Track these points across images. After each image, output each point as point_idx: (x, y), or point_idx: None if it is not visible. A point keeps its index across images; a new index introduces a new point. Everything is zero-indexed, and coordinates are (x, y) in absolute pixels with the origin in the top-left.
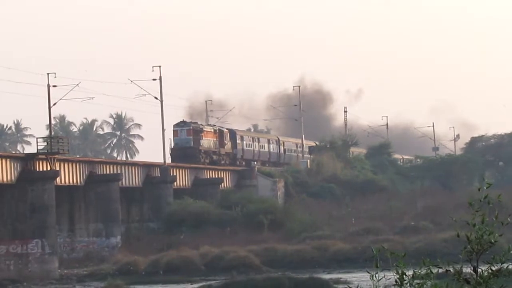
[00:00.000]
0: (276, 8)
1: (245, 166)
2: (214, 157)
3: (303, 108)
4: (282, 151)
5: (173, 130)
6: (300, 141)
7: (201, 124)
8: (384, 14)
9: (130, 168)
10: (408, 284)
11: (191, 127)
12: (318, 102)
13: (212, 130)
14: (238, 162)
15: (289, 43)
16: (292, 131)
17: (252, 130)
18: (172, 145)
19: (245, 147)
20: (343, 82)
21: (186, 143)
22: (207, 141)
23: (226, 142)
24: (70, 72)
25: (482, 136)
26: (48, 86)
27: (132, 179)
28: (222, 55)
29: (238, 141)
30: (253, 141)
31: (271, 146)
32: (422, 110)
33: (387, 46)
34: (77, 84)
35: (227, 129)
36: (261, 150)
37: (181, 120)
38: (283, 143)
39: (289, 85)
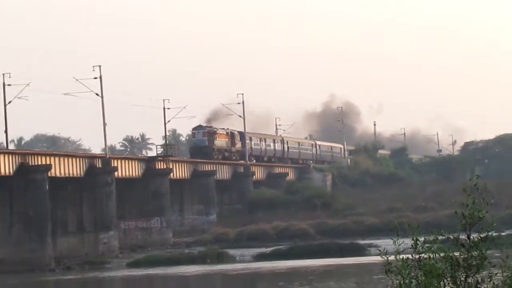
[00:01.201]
0: (301, 37)
1: (303, 164)
2: (226, 154)
3: (337, 119)
4: (286, 148)
5: (192, 132)
6: (339, 145)
7: (215, 128)
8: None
9: (222, 166)
10: (420, 247)
11: (206, 130)
12: (348, 115)
13: (225, 132)
14: (247, 158)
15: (317, 65)
16: (330, 138)
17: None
18: (192, 144)
19: (253, 146)
20: (363, 96)
21: (202, 142)
22: (220, 141)
23: (236, 142)
24: (180, 97)
25: (472, 141)
26: (164, 109)
27: (224, 174)
28: (258, 77)
29: (248, 141)
30: (260, 141)
31: (276, 144)
32: (426, 119)
33: (398, 67)
34: (185, 107)
35: (237, 131)
36: (268, 148)
37: (198, 124)
38: (287, 142)
39: (320, 101)
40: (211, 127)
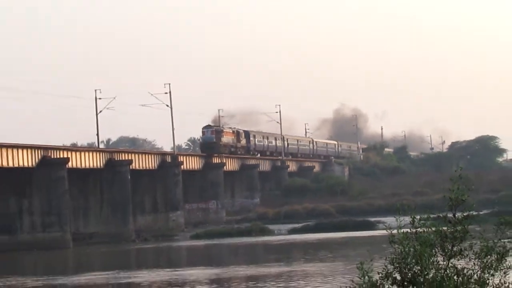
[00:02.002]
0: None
1: (325, 159)
2: (232, 149)
3: (352, 124)
4: (286, 145)
5: (202, 131)
6: (355, 144)
7: (222, 127)
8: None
9: (264, 161)
10: (417, 223)
11: (214, 129)
12: (358, 120)
13: (231, 131)
14: (251, 152)
15: (327, 77)
16: (343, 139)
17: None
18: (201, 141)
19: (256, 143)
20: (369, 104)
21: (210, 139)
22: (227, 138)
23: (241, 139)
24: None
25: (457, 141)
26: (219, 116)
27: (265, 167)
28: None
29: (251, 138)
30: (263, 138)
31: (277, 142)
32: (420, 122)
33: (398, 78)
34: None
35: (243, 130)
36: (270, 144)
37: (208, 124)
38: (287, 139)
39: (331, 108)
40: (218, 126)
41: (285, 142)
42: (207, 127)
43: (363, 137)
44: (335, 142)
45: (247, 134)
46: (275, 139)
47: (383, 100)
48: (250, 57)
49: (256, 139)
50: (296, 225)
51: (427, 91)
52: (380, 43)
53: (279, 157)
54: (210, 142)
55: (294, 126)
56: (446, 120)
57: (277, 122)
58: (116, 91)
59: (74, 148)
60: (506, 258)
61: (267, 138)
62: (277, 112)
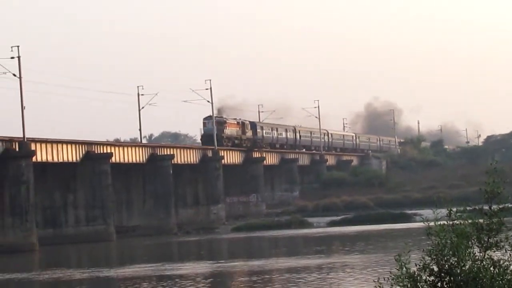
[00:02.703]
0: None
1: (363, 153)
2: (236, 141)
3: (390, 119)
4: (298, 137)
5: (203, 122)
6: (392, 138)
7: (225, 118)
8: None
9: (303, 155)
10: (453, 215)
11: (216, 120)
12: (391, 114)
13: (236, 122)
14: (258, 145)
15: (361, 70)
16: (376, 132)
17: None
18: (202, 132)
19: (264, 134)
20: (402, 97)
21: (211, 131)
22: (230, 130)
23: (247, 130)
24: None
25: (492, 135)
26: (259, 112)
27: (304, 161)
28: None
29: (259, 130)
30: (272, 130)
31: (288, 133)
32: (455, 116)
33: (434, 71)
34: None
35: (249, 121)
36: (279, 136)
37: (209, 115)
38: (299, 131)
39: (362, 101)
40: (221, 117)
41: (297, 134)
42: (208, 118)
43: (397, 131)
44: (377, 137)
45: (253, 125)
46: (286, 131)
47: (415, 94)
48: (280, 54)
49: (264, 131)
50: (335, 218)
51: (460, 85)
52: (412, 38)
53: (318, 151)
54: (211, 134)
55: (327, 120)
56: (480, 114)
57: (316, 117)
58: (159, 87)
59: (117, 143)
60: None
61: (277, 130)
62: (315, 107)
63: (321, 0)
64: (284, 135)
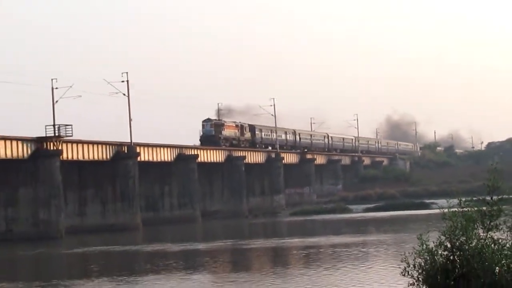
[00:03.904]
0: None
1: (390, 155)
2: (234, 142)
3: (412, 129)
4: (298, 139)
5: (202, 124)
6: (412, 144)
7: (223, 120)
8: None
9: (345, 156)
10: (462, 204)
11: (213, 122)
12: (409, 124)
13: (234, 125)
14: (257, 146)
15: (380, 84)
16: (396, 138)
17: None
18: (201, 133)
19: (263, 136)
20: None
21: (209, 132)
22: (228, 132)
23: (245, 132)
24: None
25: (493, 142)
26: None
27: (346, 161)
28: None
29: (257, 132)
30: (271, 132)
31: (288, 136)
32: (460, 125)
33: (443, 86)
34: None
35: (248, 124)
36: (279, 138)
37: (207, 117)
38: (299, 134)
39: (383, 113)
40: (219, 120)
41: (297, 137)
42: (207, 120)
43: (412, 137)
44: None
45: (252, 128)
46: (286, 133)
47: (427, 107)
48: (325, 75)
49: (263, 133)
50: (369, 205)
51: (465, 100)
52: (424, 57)
53: (356, 154)
54: (209, 135)
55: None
56: (481, 124)
57: (355, 127)
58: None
59: (202, 147)
60: None
61: (276, 132)
62: (355, 120)
63: (337, 21)
64: (283, 137)
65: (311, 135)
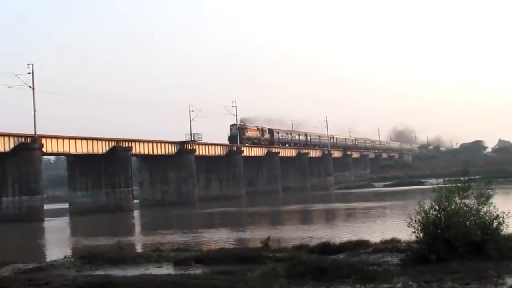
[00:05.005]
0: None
1: (398, 152)
2: (255, 141)
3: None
4: (309, 139)
5: (229, 127)
6: (412, 144)
7: (246, 125)
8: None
9: (371, 152)
10: (446, 182)
11: (238, 126)
12: (409, 131)
13: (256, 128)
14: (275, 144)
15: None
16: (402, 141)
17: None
18: (229, 135)
19: (280, 137)
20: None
21: (234, 134)
22: (250, 133)
23: (265, 134)
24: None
25: (464, 143)
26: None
27: (372, 156)
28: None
29: (275, 134)
30: (286, 134)
31: (300, 137)
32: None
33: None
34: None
35: (267, 128)
36: (293, 138)
37: (233, 123)
38: (310, 135)
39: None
40: (243, 124)
41: (308, 138)
42: (233, 125)
43: (413, 140)
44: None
45: (271, 131)
46: (298, 135)
47: (419, 117)
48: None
49: (280, 135)
50: (386, 183)
51: (445, 111)
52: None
53: (376, 150)
54: (234, 136)
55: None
56: (457, 130)
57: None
58: None
59: (282, 147)
60: (490, 198)
61: (291, 134)
62: (378, 128)
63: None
64: (297, 138)
65: (319, 136)
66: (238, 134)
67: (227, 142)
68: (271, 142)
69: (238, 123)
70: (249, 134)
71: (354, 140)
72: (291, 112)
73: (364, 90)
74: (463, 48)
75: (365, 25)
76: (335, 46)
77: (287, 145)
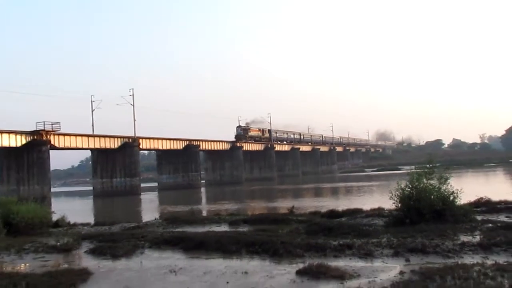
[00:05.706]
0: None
1: (382, 148)
2: (257, 139)
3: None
4: (302, 137)
5: (235, 128)
6: (391, 143)
7: (249, 126)
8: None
9: (364, 148)
10: (417, 168)
11: (242, 127)
12: (390, 133)
13: (257, 129)
14: (273, 141)
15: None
16: (384, 139)
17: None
18: (235, 134)
19: (278, 136)
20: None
21: (239, 133)
22: (253, 133)
23: (265, 133)
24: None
25: (429, 140)
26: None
27: (363, 150)
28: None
29: (274, 133)
30: (283, 134)
31: (295, 135)
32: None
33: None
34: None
35: (268, 129)
36: (289, 137)
37: (239, 125)
38: (303, 135)
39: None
40: (246, 126)
41: (302, 136)
42: (238, 127)
43: (392, 139)
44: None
45: (270, 131)
46: (293, 134)
47: (395, 121)
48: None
49: (277, 134)
50: (374, 169)
51: (415, 117)
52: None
53: (366, 146)
54: (239, 135)
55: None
56: (423, 130)
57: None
58: None
59: (300, 143)
60: (447, 180)
61: (287, 133)
62: (366, 131)
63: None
64: (292, 136)
65: (311, 136)
66: (242, 133)
67: (264, 143)
68: (269, 140)
69: (244, 125)
70: (251, 133)
71: (339, 138)
72: (308, 119)
73: (358, 105)
74: (429, 66)
75: (348, 49)
76: (342, 74)
77: (285, 142)
